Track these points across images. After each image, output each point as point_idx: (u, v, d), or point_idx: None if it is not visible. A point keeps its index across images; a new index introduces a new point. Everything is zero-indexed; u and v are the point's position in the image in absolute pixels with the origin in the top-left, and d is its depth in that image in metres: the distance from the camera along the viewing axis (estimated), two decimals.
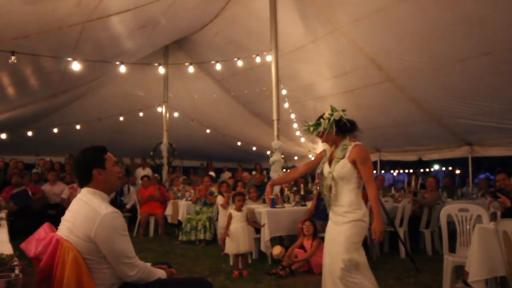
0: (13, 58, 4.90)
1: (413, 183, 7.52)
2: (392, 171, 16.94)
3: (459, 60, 6.32)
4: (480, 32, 5.69)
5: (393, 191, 7.51)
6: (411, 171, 16.59)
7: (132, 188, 9.17)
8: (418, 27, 6.20)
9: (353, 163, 3.02)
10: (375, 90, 8.11)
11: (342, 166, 3.05)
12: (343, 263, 2.93)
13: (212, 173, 8.66)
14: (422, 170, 16.11)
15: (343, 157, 3.07)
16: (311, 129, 3.26)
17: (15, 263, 1.58)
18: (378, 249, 5.93)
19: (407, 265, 5.18)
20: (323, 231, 5.23)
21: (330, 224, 3.21)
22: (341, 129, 3.14)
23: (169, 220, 7.92)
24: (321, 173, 3.30)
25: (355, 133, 3.19)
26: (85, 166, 2.17)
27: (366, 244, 5.55)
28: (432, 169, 17.70)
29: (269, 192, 3.55)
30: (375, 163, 11.57)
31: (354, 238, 2.99)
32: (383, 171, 12.36)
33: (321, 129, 3.16)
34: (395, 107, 8.47)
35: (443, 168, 17.64)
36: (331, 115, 3.14)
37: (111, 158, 2.26)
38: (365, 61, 7.45)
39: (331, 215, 3.21)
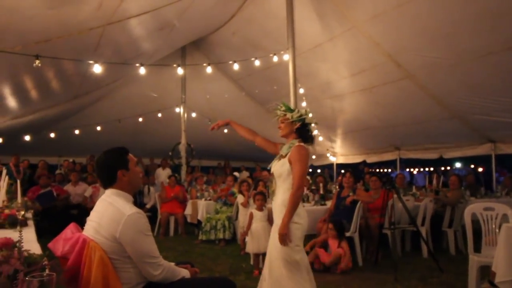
0: (37, 62, 5.02)
1: (434, 181, 7.38)
2: (411, 170, 16.70)
3: (481, 55, 6.18)
4: (505, 26, 5.54)
5: (414, 190, 7.40)
6: (431, 169, 16.33)
7: (151, 189, 9.28)
8: (438, 22, 6.09)
9: (290, 161, 3.01)
10: (393, 88, 8.00)
11: (281, 165, 3.06)
12: (277, 265, 2.92)
13: (236, 173, 8.69)
14: (442, 168, 15.83)
15: (286, 156, 3.06)
16: (283, 108, 3.21)
17: (45, 262, 1.62)
18: (400, 249, 5.85)
19: (430, 265, 5.10)
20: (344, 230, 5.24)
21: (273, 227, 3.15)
22: (301, 131, 3.13)
23: (189, 220, 7.98)
24: None
25: (307, 144, 3.14)
26: (110, 168, 2.20)
27: (388, 244, 5.50)
28: (453, 168, 17.36)
29: (221, 124, 3.44)
30: (394, 161, 11.44)
31: (292, 243, 2.91)
32: (408, 169, 12.14)
33: (289, 115, 3.15)
34: (414, 104, 8.34)
35: (461, 166, 17.28)
36: (307, 114, 3.18)
37: (133, 159, 2.30)
38: (383, 58, 7.36)
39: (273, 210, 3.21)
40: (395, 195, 5.20)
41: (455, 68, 6.74)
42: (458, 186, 6.36)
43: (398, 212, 5.45)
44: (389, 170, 15.78)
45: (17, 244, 1.66)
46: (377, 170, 15.30)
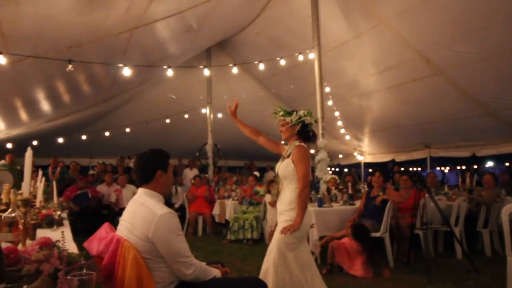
0: (70, 66, 5.18)
1: (467, 180, 7.15)
2: (442, 168, 16.25)
3: None
4: None
5: (446, 189, 7.19)
6: (463, 167, 15.84)
7: (179, 189, 9.40)
8: (468, 15, 5.90)
9: (294, 162, 3.07)
10: (422, 84, 7.81)
11: (286, 166, 3.12)
12: (273, 262, 2.98)
13: (256, 173, 8.70)
14: (475, 167, 15.32)
15: (288, 157, 3.13)
16: (280, 113, 3.26)
17: (83, 262, 1.66)
18: (433, 250, 5.70)
19: (465, 267, 4.93)
20: (374, 230, 5.15)
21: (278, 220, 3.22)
22: (302, 132, 3.19)
23: (217, 220, 8.05)
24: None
25: (309, 143, 3.22)
26: (152, 166, 2.25)
27: (419, 245, 5.37)
28: (486, 166, 16.77)
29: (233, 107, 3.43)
30: (424, 159, 11.16)
31: (288, 239, 2.98)
32: (437, 168, 11.83)
33: (288, 119, 3.20)
34: (444, 101, 8.11)
35: (494, 164, 16.65)
36: (305, 115, 3.20)
37: (172, 165, 2.37)
38: (411, 55, 7.21)
39: (278, 211, 3.25)
40: (426, 195, 5.06)
41: (487, 63, 6.52)
42: (493, 185, 6.13)
43: (430, 212, 5.30)
44: (419, 169, 15.42)
45: (59, 244, 1.71)
46: (408, 169, 14.98)
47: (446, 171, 16.17)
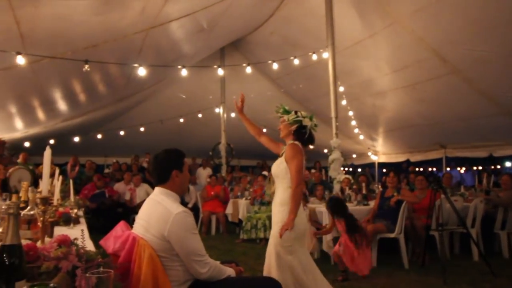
0: (86, 66, 5.25)
1: (484, 181, 7.03)
2: (458, 169, 15.98)
3: None
4: None
5: (462, 190, 7.08)
6: (479, 168, 15.56)
7: (191, 188, 9.45)
8: (485, 13, 5.79)
9: (287, 161, 3.08)
10: (439, 83, 7.70)
11: (278, 164, 3.16)
12: (274, 266, 2.95)
13: (265, 173, 8.71)
14: (492, 167, 15.03)
15: (282, 155, 3.18)
16: (281, 110, 3.32)
17: (100, 259, 1.68)
18: (448, 251, 5.62)
19: (481, 269, 4.85)
20: (388, 231, 5.10)
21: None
22: (299, 133, 3.22)
23: (230, 219, 8.07)
24: None
25: (305, 146, 3.23)
26: (167, 166, 2.27)
27: (435, 246, 5.30)
28: (504, 166, 16.43)
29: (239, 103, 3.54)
30: (439, 160, 11.01)
31: (283, 241, 2.95)
32: (448, 168, 11.66)
33: (286, 117, 3.26)
34: (461, 100, 7.99)
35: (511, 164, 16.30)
36: (304, 117, 3.24)
37: (187, 164, 2.38)
38: (427, 53, 7.11)
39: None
40: (442, 195, 4.99)
41: (505, 61, 6.40)
42: (511, 186, 6.02)
43: (446, 213, 5.23)
44: (434, 169, 15.19)
45: (78, 242, 1.74)
46: (421, 169, 14.79)
47: (462, 171, 15.90)
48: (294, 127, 3.21)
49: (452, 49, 6.78)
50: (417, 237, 5.43)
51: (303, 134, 3.22)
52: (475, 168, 15.62)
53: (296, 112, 3.27)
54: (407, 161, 11.96)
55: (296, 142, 3.18)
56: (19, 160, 7.48)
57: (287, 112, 3.30)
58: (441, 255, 4.78)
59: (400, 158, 12.06)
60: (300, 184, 3.04)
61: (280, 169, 3.13)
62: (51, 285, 1.09)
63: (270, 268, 3.02)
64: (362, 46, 7.73)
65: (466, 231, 5.16)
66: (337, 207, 4.63)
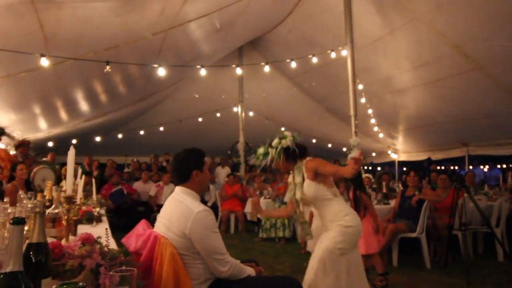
0: (108, 67, 5.34)
1: (509, 179, 6.85)
2: (482, 167, 15.61)
3: None
4: None
5: (486, 189, 6.91)
6: (503, 166, 15.16)
7: (211, 186, 9.52)
8: (508, 7, 5.61)
9: (313, 178, 2.96)
10: (461, 80, 7.52)
11: (308, 187, 2.99)
12: (318, 265, 2.86)
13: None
14: None
15: (304, 180, 3.02)
16: (260, 157, 3.17)
17: (123, 258, 1.71)
18: (472, 251, 5.50)
19: (507, 269, 4.74)
20: (409, 230, 5.02)
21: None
22: (291, 156, 3.08)
23: (249, 218, 8.09)
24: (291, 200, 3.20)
25: (304, 157, 3.10)
26: (187, 166, 2.30)
27: (457, 246, 5.19)
28: None
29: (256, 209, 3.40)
30: (462, 158, 10.77)
31: (340, 244, 2.86)
32: (471, 167, 11.39)
33: (269, 157, 3.10)
34: (484, 97, 7.78)
35: None
36: (279, 142, 3.07)
37: (207, 162, 2.41)
38: (449, 49, 6.95)
39: (323, 235, 3.04)
40: (465, 194, 4.89)
41: None
42: None
43: (469, 212, 5.12)
44: (456, 168, 14.87)
45: (102, 240, 1.78)
46: (443, 167, 14.51)
47: (485, 170, 15.52)
48: (283, 157, 3.08)
49: (475, 44, 6.61)
50: (439, 236, 5.33)
51: (294, 154, 3.08)
52: (499, 166, 15.23)
53: (270, 145, 3.13)
54: (428, 159, 11.74)
55: (308, 159, 3.08)
56: (46, 159, 7.68)
57: (265, 154, 3.14)
58: (465, 255, 4.68)
59: (421, 156, 11.85)
60: (344, 174, 2.92)
61: (312, 189, 2.98)
62: (80, 284, 1.11)
63: (318, 272, 2.88)
64: (382, 43, 7.62)
65: (490, 230, 5.04)
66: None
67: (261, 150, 3.20)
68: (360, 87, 8.55)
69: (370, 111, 9.57)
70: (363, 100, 8.89)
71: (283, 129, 3.28)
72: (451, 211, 5.00)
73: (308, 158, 3.09)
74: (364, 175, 6.70)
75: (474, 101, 8.08)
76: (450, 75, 7.54)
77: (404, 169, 12.23)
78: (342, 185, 6.42)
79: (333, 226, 2.93)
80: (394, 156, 12.57)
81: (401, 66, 8.14)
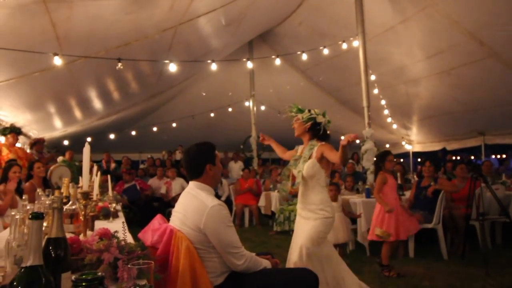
0: (119, 64, 5.38)
1: None
2: (497, 156, 15.34)
3: None
4: None
5: (504, 178, 6.79)
6: None
7: (224, 181, 9.56)
8: None
9: (320, 160, 3.18)
10: (476, 68, 7.38)
11: (312, 166, 3.19)
12: (306, 250, 3.07)
13: None
14: None
15: (311, 157, 3.23)
16: (294, 110, 3.40)
17: (140, 251, 1.73)
18: (490, 241, 5.42)
19: None
20: (425, 221, 4.97)
21: (298, 219, 3.35)
22: (314, 130, 3.31)
23: (263, 211, 8.11)
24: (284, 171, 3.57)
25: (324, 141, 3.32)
26: (200, 161, 2.30)
27: (475, 236, 5.12)
28: None
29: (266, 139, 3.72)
30: (478, 147, 10.59)
31: (321, 234, 3.12)
32: (493, 156, 11.19)
33: (300, 116, 3.34)
34: (500, 84, 7.63)
35: None
36: (317, 114, 3.33)
37: (218, 155, 2.41)
38: (463, 37, 6.82)
39: (299, 210, 3.34)
40: (483, 184, 4.81)
41: None
42: None
43: (486, 202, 5.04)
44: (472, 158, 14.64)
45: (119, 234, 1.80)
46: (458, 157, 14.30)
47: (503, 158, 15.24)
48: (308, 124, 3.31)
49: (490, 31, 6.47)
50: (456, 227, 5.27)
51: (317, 131, 3.31)
52: None
53: (309, 110, 3.35)
54: (443, 149, 11.58)
55: (323, 143, 3.27)
56: (65, 158, 7.81)
57: (300, 110, 3.38)
58: (482, 246, 4.62)
59: (435, 147, 11.70)
60: (342, 162, 3.10)
61: (314, 170, 3.18)
62: (99, 273, 1.13)
63: (297, 260, 3.12)
64: (394, 32, 7.51)
65: (509, 220, 4.95)
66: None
67: (299, 107, 3.41)
68: (373, 78, 8.46)
69: (383, 102, 9.47)
70: (375, 91, 8.80)
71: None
72: (468, 201, 4.92)
73: (323, 143, 3.27)
74: None
75: (489, 88, 7.93)
76: (465, 63, 7.41)
77: (419, 160, 12.08)
78: (350, 179, 6.43)
79: (315, 213, 3.15)
80: (408, 147, 12.43)
81: (414, 55, 8.03)
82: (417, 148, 12.36)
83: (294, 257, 3.16)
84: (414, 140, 12.34)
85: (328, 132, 3.38)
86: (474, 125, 9.70)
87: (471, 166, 5.17)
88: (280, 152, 3.76)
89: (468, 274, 4.31)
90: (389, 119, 10.48)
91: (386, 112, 9.98)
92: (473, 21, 6.49)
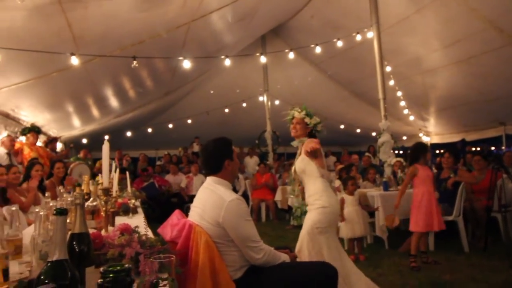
0: (135, 62, 5.44)
1: None
2: None
3: None
4: None
5: None
6: None
7: (240, 176, 9.59)
8: None
9: (306, 154, 3.25)
10: (495, 56, 7.20)
11: (301, 160, 3.33)
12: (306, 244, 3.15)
13: None
14: None
15: (301, 153, 3.38)
16: (302, 112, 3.44)
17: (160, 246, 1.75)
18: None
19: None
20: (445, 214, 4.90)
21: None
22: (310, 134, 3.44)
23: (279, 206, 8.11)
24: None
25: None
26: (219, 157, 2.31)
27: (497, 229, 5.03)
28: None
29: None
30: (499, 138, 10.35)
31: (318, 223, 3.15)
32: (503, 147, 10.92)
33: (307, 120, 3.42)
34: None
35: None
36: (320, 123, 3.47)
37: (235, 150, 2.43)
38: (481, 25, 6.66)
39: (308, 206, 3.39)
40: (504, 175, 4.71)
41: None
42: None
43: (508, 193, 4.93)
44: (493, 148, 14.32)
45: (141, 229, 1.83)
46: (478, 148, 14.01)
47: None
48: (309, 128, 3.44)
49: (509, 17, 6.30)
50: (477, 219, 5.18)
51: (314, 135, 3.47)
52: None
53: (307, 114, 3.46)
54: (463, 140, 11.36)
55: (312, 139, 3.38)
56: (80, 156, 7.95)
57: (310, 115, 3.46)
58: (505, 238, 4.54)
59: (454, 138, 11.48)
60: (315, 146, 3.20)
61: (303, 164, 3.29)
62: (126, 265, 1.15)
63: (302, 248, 3.22)
64: (409, 22, 7.38)
65: None
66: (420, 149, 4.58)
67: (308, 111, 3.48)
68: (388, 69, 8.35)
69: (399, 93, 9.34)
70: (391, 82, 8.69)
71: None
72: (489, 193, 4.83)
73: (312, 139, 3.37)
74: (395, 160, 6.57)
75: (509, 77, 7.73)
76: (484, 52, 7.24)
77: (437, 151, 11.89)
78: (372, 171, 6.37)
79: (312, 204, 3.24)
80: (426, 139, 12.24)
81: (430, 45, 7.88)
82: (436, 139, 12.15)
83: (297, 247, 3.25)
84: (432, 132, 12.15)
85: (314, 132, 3.48)
86: (494, 114, 9.48)
87: (492, 157, 5.06)
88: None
89: (490, 266, 4.23)
90: (405, 111, 10.34)
91: (402, 103, 9.85)
92: (492, 8, 6.33)
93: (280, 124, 11.09)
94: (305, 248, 3.16)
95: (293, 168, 3.52)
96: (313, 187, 3.25)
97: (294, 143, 3.47)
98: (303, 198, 3.49)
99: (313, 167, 3.25)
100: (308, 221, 3.23)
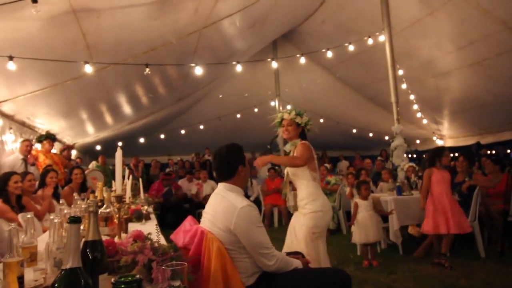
0: (147, 70, 5.50)
1: None
2: None
3: None
4: None
5: None
6: None
7: (254, 181, 9.58)
8: None
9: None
10: (510, 57, 7.09)
11: None
12: (306, 249, 3.08)
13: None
14: None
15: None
16: (292, 113, 3.41)
17: (172, 253, 1.76)
18: None
19: None
20: None
21: (295, 213, 3.41)
22: (302, 133, 3.43)
23: (291, 211, 8.07)
24: None
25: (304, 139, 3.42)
26: (233, 163, 2.31)
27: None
28: None
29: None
30: None
31: (315, 228, 3.16)
32: (508, 151, 10.73)
33: (299, 120, 3.39)
34: None
35: None
36: (309, 121, 3.45)
37: (247, 156, 2.43)
38: (495, 26, 6.57)
39: (295, 215, 3.40)
40: None
41: None
42: None
43: None
44: (508, 151, 14.11)
45: (153, 236, 1.84)
46: (493, 151, 13.79)
47: None
48: (301, 128, 3.43)
49: None
50: (494, 223, 5.08)
51: (305, 134, 3.46)
52: None
53: (298, 113, 3.44)
54: (477, 143, 11.18)
55: (305, 141, 3.36)
56: (97, 163, 8.06)
57: (300, 114, 3.44)
58: None
59: (469, 141, 11.31)
60: (301, 162, 3.22)
61: (295, 168, 3.29)
62: (137, 276, 1.16)
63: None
64: (421, 25, 7.33)
65: None
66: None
67: (298, 111, 3.47)
68: (400, 72, 8.28)
69: (412, 97, 9.26)
70: (404, 86, 8.62)
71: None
72: (505, 197, 4.75)
73: (303, 142, 3.37)
74: (408, 165, 6.50)
75: None
76: (498, 54, 7.15)
77: (452, 155, 11.73)
78: (385, 172, 6.32)
79: (303, 208, 3.24)
80: (439, 142, 12.08)
81: (443, 47, 7.80)
82: (449, 143, 11.99)
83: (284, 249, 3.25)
84: (446, 135, 11.99)
85: (305, 133, 3.47)
86: (509, 116, 9.31)
87: (508, 161, 4.97)
88: (285, 160, 3.74)
89: (508, 272, 4.15)
90: (418, 114, 10.23)
91: (415, 107, 9.75)
92: (506, 9, 6.25)
93: None
94: (306, 254, 3.11)
95: (285, 171, 3.51)
96: (305, 191, 3.27)
97: (287, 147, 3.47)
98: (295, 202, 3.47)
99: (305, 171, 3.26)
100: (303, 227, 3.21)
